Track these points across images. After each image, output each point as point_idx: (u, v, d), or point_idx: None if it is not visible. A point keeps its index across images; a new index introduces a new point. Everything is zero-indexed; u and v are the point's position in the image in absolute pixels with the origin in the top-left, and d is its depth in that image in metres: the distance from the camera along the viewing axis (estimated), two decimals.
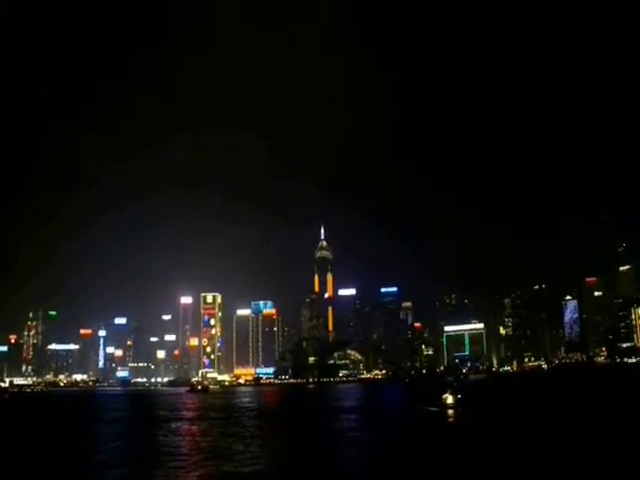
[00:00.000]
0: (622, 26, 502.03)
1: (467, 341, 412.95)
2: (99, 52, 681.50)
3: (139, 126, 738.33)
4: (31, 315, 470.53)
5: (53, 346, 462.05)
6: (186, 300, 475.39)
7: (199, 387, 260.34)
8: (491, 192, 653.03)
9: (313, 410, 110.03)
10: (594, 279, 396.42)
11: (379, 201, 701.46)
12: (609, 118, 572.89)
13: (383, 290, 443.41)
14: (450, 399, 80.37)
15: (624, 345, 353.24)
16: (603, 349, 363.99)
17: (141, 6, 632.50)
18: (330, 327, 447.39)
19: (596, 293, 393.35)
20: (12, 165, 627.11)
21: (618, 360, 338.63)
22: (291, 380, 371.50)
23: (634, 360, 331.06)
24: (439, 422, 66.71)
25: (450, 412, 74.26)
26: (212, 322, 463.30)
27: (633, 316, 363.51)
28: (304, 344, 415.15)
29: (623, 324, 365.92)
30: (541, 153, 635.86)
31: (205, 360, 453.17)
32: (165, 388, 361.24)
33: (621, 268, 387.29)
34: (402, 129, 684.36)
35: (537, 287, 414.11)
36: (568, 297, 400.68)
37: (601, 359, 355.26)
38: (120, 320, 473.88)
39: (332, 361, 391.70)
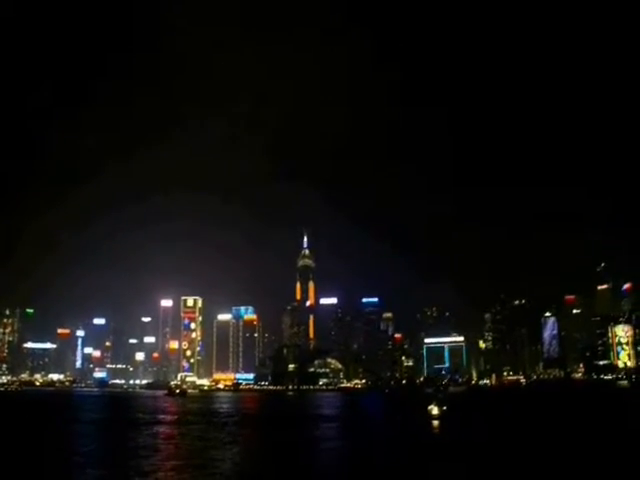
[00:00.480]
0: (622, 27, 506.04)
1: (447, 353, 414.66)
2: (99, 52, 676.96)
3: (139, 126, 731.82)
4: (7, 312, 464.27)
5: (29, 344, 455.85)
6: (166, 303, 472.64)
7: (177, 390, 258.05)
8: (477, 208, 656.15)
9: (292, 417, 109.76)
10: (573, 297, 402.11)
11: (363, 212, 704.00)
12: (596, 138, 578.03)
13: (364, 300, 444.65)
14: (435, 410, 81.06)
15: (601, 362, 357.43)
16: (581, 366, 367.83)
17: (141, 6, 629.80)
18: (311, 335, 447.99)
19: (575, 311, 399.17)
20: (9, 165, 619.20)
21: (595, 377, 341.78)
22: (270, 387, 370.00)
23: (610, 377, 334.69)
24: (423, 432, 67.03)
25: (435, 423, 74.72)
26: (192, 326, 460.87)
27: (610, 334, 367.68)
28: (284, 351, 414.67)
29: (600, 342, 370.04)
30: (532, 169, 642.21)
31: (184, 364, 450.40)
32: (143, 390, 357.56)
33: (599, 287, 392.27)
34: (402, 131, 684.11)
35: (517, 302, 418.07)
36: (547, 314, 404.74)
37: (579, 375, 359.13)
38: (99, 321, 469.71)
39: (312, 369, 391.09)
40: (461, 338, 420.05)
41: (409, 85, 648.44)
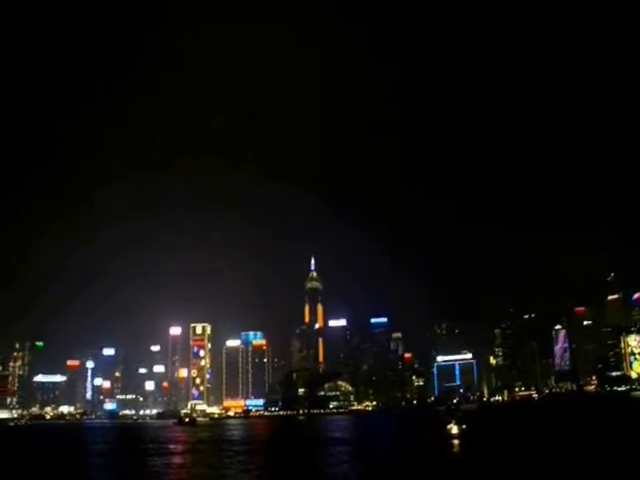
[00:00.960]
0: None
1: (458, 371, 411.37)
2: (99, 52, 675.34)
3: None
4: (17, 346, 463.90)
5: (39, 377, 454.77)
6: (175, 331, 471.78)
7: (187, 419, 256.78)
8: (480, 223, 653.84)
9: (303, 441, 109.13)
10: (583, 308, 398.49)
11: (363, 219, 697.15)
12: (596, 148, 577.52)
13: (373, 321, 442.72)
14: (455, 429, 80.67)
15: (614, 374, 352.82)
16: (593, 378, 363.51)
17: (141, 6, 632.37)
18: (320, 358, 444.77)
19: (585, 322, 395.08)
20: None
21: (608, 389, 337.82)
22: (281, 412, 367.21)
23: (624, 388, 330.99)
24: (443, 452, 66.52)
25: (455, 442, 74.22)
26: (201, 353, 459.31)
27: (622, 345, 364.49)
28: (294, 375, 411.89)
29: (612, 353, 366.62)
30: (536, 174, 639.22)
31: (194, 392, 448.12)
32: (153, 421, 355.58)
33: (609, 297, 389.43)
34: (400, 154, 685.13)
35: (527, 317, 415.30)
36: (558, 326, 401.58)
37: (591, 388, 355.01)
38: (108, 351, 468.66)
39: (322, 392, 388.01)
40: (471, 355, 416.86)
41: (409, 84, 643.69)
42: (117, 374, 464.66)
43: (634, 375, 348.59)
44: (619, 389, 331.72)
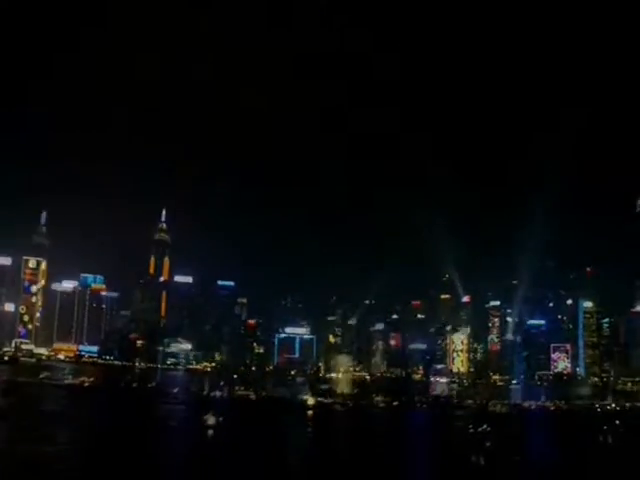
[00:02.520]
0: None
1: (298, 345, 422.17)
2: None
3: None
4: None
5: None
6: (5, 261, 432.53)
7: (5, 358, 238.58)
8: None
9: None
10: (419, 302, 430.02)
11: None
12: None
13: (220, 283, 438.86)
14: (211, 420, 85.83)
15: (438, 366, 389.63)
16: (420, 368, 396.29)
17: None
18: (162, 312, 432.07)
19: (419, 315, 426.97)
20: None
21: (432, 379, 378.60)
22: (116, 362, 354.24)
23: (445, 380, 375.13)
24: None
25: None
26: (33, 289, 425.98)
27: (448, 341, 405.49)
28: (133, 326, 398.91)
29: (439, 347, 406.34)
30: None
31: (21, 329, 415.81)
32: None
33: (442, 296, 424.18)
34: None
35: (367, 302, 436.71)
36: (394, 316, 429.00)
37: (418, 377, 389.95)
38: None
39: (161, 347, 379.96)
40: (308, 330, 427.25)
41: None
42: None
43: (455, 369, 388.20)
44: (441, 380, 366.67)
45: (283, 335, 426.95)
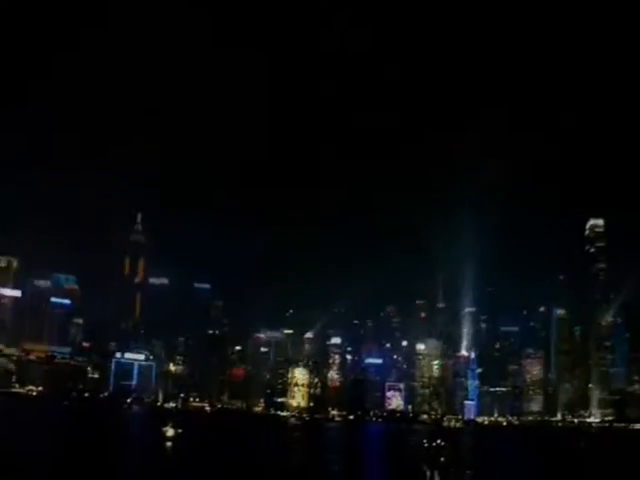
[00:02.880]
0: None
1: (136, 371, 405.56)
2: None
3: None
4: None
5: None
6: None
7: None
8: None
9: None
10: (262, 335, 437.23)
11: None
12: None
13: (196, 285, 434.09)
14: (170, 432, 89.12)
15: (278, 400, 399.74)
16: (262, 400, 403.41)
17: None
18: (137, 314, 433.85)
19: (262, 349, 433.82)
20: None
21: (272, 412, 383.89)
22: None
23: (285, 414, 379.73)
24: None
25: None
26: (4, 289, 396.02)
27: (289, 375, 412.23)
28: (106, 327, 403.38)
29: (280, 381, 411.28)
30: None
31: None
32: None
33: (285, 331, 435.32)
34: None
35: (211, 332, 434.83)
36: (237, 347, 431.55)
37: (259, 409, 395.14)
38: None
39: (136, 348, 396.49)
40: (151, 357, 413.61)
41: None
42: None
43: (294, 404, 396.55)
44: (281, 414, 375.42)
45: (122, 360, 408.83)
